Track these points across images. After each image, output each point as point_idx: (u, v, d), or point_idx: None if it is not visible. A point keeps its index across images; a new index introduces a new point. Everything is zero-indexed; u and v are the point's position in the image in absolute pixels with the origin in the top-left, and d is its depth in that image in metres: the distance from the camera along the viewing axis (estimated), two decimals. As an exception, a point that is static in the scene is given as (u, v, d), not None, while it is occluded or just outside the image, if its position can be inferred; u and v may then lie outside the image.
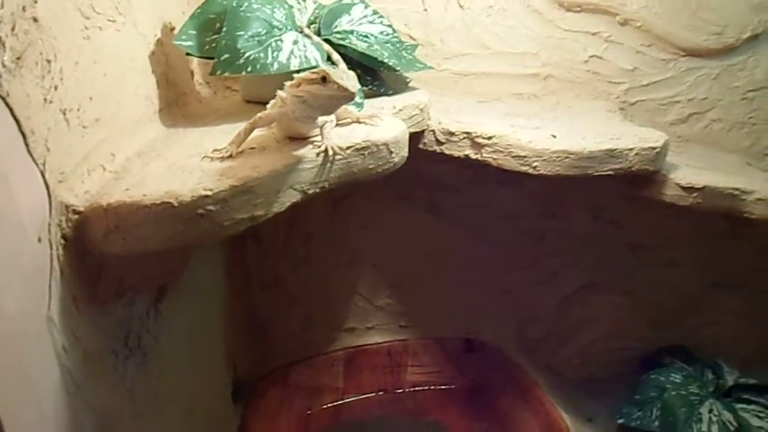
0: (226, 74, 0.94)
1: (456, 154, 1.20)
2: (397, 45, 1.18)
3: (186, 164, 0.74)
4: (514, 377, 1.45)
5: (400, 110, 1.08)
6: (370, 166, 0.84)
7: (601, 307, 1.54)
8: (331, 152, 0.79)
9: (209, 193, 0.64)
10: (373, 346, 1.52)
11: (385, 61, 1.11)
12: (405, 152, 0.90)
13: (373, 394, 1.49)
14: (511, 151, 1.13)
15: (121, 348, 0.73)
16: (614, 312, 1.54)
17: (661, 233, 1.46)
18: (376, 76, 1.15)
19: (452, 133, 1.19)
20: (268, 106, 0.82)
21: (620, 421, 1.36)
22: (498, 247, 1.50)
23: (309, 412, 1.43)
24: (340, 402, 1.46)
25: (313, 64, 0.94)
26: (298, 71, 0.79)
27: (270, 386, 1.40)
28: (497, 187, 1.45)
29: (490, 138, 1.15)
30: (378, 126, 0.90)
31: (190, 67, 1.15)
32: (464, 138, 1.18)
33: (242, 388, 1.36)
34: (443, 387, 1.51)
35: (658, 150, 1.13)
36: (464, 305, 1.54)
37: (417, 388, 1.51)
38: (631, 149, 1.12)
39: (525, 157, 1.12)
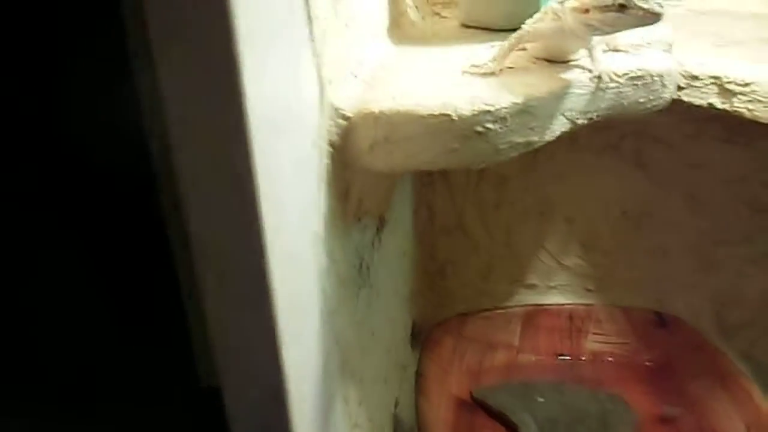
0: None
1: (697, 102, 1.03)
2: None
3: (442, 78, 0.65)
4: (712, 360, 1.29)
5: (648, 44, 0.94)
6: (641, 100, 0.71)
7: (819, 296, 1.34)
8: (606, 78, 0.67)
9: (491, 108, 0.55)
10: (553, 306, 1.40)
11: (633, -14, 0.96)
12: (675, 88, 0.77)
13: (549, 358, 1.38)
14: (773, 102, 0.96)
15: (356, 277, 0.66)
16: (834, 303, 1.34)
17: None
18: (617, 4, 1.01)
19: (696, 77, 1.02)
20: (531, 21, 0.71)
21: (835, 427, 1.18)
22: (709, 215, 1.33)
23: (480, 366, 1.35)
24: (513, 361, 1.37)
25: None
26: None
27: (444, 335, 1.33)
28: (720, 146, 1.27)
29: (746, 84, 0.98)
30: (639, 56, 0.77)
31: (403, -14, 1.06)
32: (711, 83, 1.02)
33: (417, 333, 1.30)
34: (627, 360, 1.37)
35: None
36: (660, 275, 1.39)
37: (597, 358, 1.38)
38: None
39: (791, 110, 0.95)
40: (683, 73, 1.04)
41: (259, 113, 0.38)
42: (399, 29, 1.01)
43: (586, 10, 0.63)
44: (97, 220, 0.81)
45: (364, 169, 0.57)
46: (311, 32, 0.48)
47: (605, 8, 0.61)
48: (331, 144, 0.54)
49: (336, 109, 0.54)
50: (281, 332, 0.42)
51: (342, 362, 0.61)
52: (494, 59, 0.68)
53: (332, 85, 0.55)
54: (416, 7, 1.16)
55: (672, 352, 1.35)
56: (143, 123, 0.60)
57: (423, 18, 1.16)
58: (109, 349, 0.92)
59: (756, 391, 1.21)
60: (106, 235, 0.82)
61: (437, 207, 1.35)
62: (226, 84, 0.36)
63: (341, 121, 0.55)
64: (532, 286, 1.41)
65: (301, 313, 0.46)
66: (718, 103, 1.02)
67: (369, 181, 0.68)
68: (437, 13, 1.17)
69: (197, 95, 0.37)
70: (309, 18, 0.48)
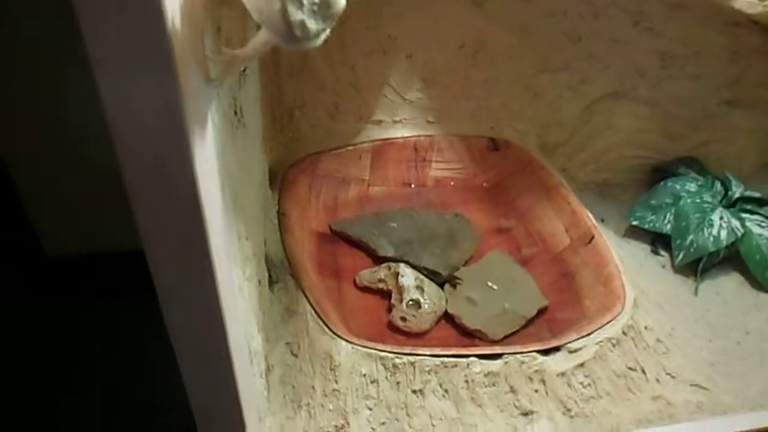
0: None
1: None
2: None
3: None
4: (538, 177, 1.46)
5: None
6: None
7: (621, 115, 1.54)
8: None
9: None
10: (399, 139, 1.49)
11: None
12: None
13: (398, 187, 1.49)
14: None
15: (233, 117, 0.67)
16: (633, 121, 1.55)
17: (694, 44, 1.44)
18: None
19: None
20: None
21: (633, 222, 1.42)
22: (535, 46, 1.45)
23: (336, 201, 1.42)
24: (365, 193, 1.46)
25: None
26: None
27: (299, 174, 1.38)
28: (546, -21, 1.36)
29: None
30: None
31: None
32: None
33: (273, 176, 1.33)
34: (466, 183, 1.51)
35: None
36: (492, 104, 1.51)
37: (441, 184, 1.51)
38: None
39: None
40: None
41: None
42: None
43: None
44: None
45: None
46: None
47: None
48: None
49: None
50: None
51: (234, 197, 0.63)
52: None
53: None
54: None
55: (504, 173, 1.52)
56: None
57: None
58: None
59: (573, 199, 1.39)
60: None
61: (282, 49, 1.33)
62: None
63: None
64: (378, 122, 1.48)
65: (202, 136, 0.48)
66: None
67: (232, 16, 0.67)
68: None
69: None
70: None
